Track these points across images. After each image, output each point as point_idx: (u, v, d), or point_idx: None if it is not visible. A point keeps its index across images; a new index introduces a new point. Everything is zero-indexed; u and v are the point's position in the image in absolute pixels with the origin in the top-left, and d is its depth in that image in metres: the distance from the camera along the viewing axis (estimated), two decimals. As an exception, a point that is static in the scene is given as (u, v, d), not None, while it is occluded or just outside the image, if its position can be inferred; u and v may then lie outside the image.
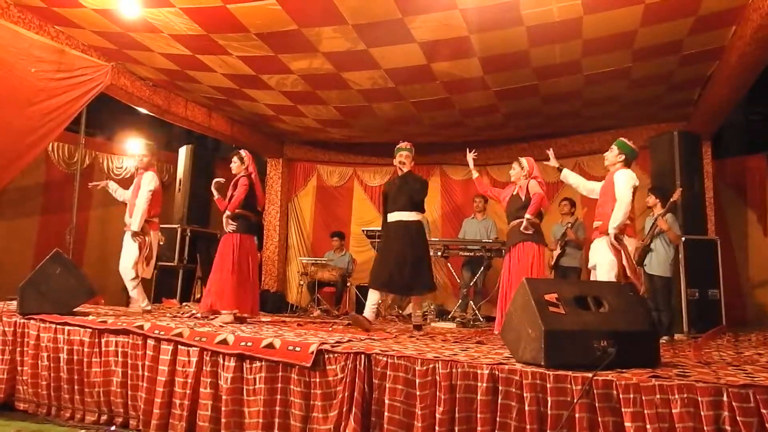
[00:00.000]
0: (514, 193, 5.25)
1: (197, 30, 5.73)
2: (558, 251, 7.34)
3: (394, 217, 5.23)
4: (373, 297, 5.23)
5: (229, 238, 5.38)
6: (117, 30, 5.87)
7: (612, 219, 4.35)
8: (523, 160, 5.26)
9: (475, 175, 5.73)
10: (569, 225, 7.27)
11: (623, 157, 4.61)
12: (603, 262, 4.41)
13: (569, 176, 5.10)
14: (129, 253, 5.60)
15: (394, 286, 5.23)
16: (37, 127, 5.63)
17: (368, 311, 5.19)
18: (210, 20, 5.55)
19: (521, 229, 4.97)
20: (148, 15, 5.49)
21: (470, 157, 5.71)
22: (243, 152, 5.63)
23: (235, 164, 5.54)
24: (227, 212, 5.36)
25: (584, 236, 7.25)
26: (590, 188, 4.96)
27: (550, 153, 5.23)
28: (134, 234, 5.56)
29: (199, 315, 5.42)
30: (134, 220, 5.58)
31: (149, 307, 5.75)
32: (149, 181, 5.69)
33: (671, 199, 5.88)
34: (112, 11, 5.43)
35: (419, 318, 5.44)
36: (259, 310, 7.81)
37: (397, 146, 5.46)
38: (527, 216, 4.92)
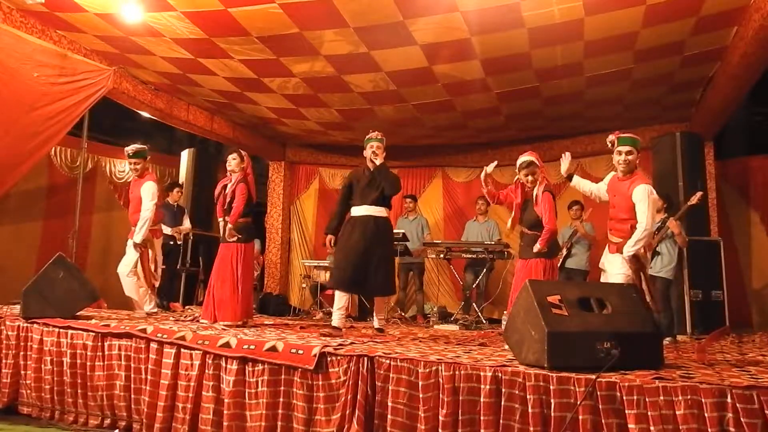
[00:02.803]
0: (530, 200, 4.77)
1: (199, 34, 5.75)
2: (564, 252, 7.34)
3: (361, 211, 4.75)
4: (341, 301, 4.73)
5: (233, 247, 5.28)
6: (119, 34, 5.89)
7: (632, 243, 3.89)
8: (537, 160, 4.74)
9: (485, 189, 5.06)
10: (579, 221, 7.26)
11: (638, 155, 4.08)
12: (618, 276, 4.09)
13: (580, 183, 4.60)
14: (128, 259, 5.60)
15: (361, 287, 4.72)
16: (40, 132, 5.65)
17: (336, 319, 4.70)
18: (211, 24, 5.56)
19: (534, 251, 4.52)
20: (150, 19, 5.51)
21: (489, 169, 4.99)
22: (242, 151, 5.56)
23: (234, 161, 5.33)
24: (229, 225, 5.22)
25: (593, 234, 7.25)
26: (599, 195, 4.48)
27: (565, 158, 4.67)
28: (135, 245, 5.54)
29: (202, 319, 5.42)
30: (137, 233, 5.50)
31: (155, 310, 5.77)
32: (152, 194, 5.54)
33: (690, 202, 5.67)
34: (114, 15, 5.45)
35: (383, 321, 4.97)
36: (261, 313, 7.91)
37: (368, 136, 4.91)
38: (539, 247, 4.48)
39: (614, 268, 4.14)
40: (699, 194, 5.67)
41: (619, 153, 4.01)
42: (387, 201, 4.79)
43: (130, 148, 5.72)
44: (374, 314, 4.95)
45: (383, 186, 4.68)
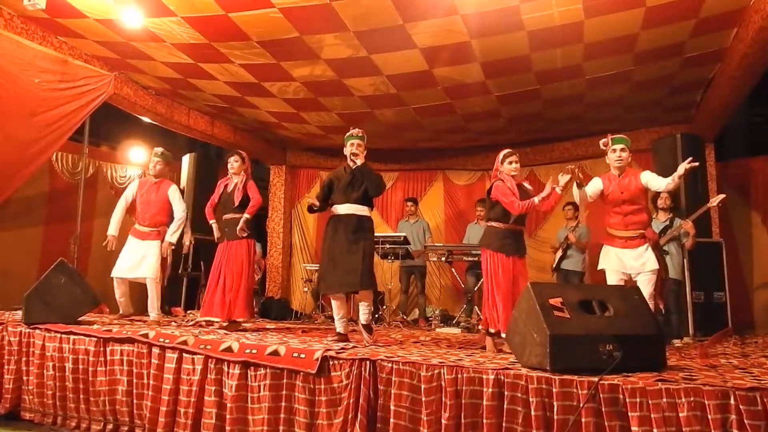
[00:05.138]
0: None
1: (199, 38, 5.76)
2: (560, 254, 7.34)
3: (344, 209, 4.56)
4: (340, 309, 4.61)
5: (244, 244, 5.44)
6: (119, 39, 5.90)
7: (665, 182, 4.17)
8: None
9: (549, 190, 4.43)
10: (572, 229, 7.26)
11: (630, 154, 4.43)
12: (653, 270, 4.26)
13: (582, 193, 4.55)
14: (155, 262, 5.62)
15: (345, 285, 4.49)
16: (41, 137, 5.66)
17: (340, 326, 4.60)
18: (212, 29, 5.58)
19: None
20: (151, 24, 5.52)
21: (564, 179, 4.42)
22: (243, 152, 5.70)
23: (237, 163, 5.53)
24: (246, 215, 5.36)
25: (587, 240, 7.24)
26: (593, 195, 4.54)
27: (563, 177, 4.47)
28: (170, 244, 5.67)
29: (203, 323, 5.42)
30: (174, 233, 5.67)
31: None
32: (180, 197, 5.79)
33: (710, 204, 5.59)
34: (115, 21, 5.47)
35: (369, 317, 4.57)
36: (263, 317, 7.96)
37: (348, 134, 4.78)
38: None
39: (651, 264, 4.27)
40: (722, 196, 5.48)
41: (614, 151, 4.41)
42: (369, 200, 4.66)
43: (160, 149, 5.95)
44: (360, 309, 4.61)
45: (366, 185, 4.56)
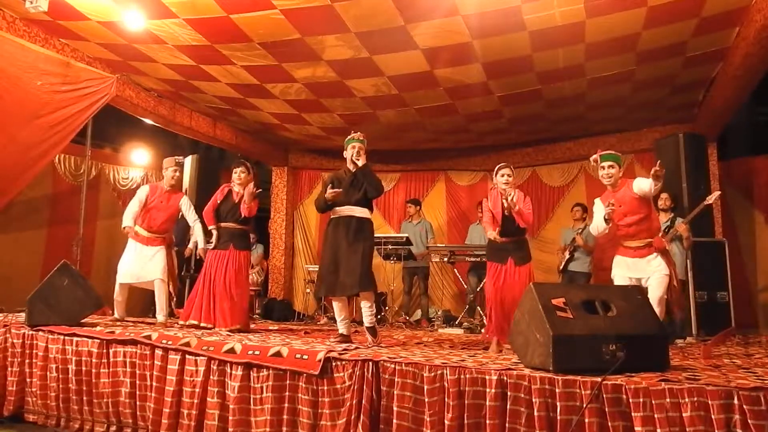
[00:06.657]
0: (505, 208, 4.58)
1: (201, 40, 5.77)
2: (567, 255, 7.33)
3: (344, 211, 4.51)
4: (342, 311, 4.55)
5: (247, 255, 5.57)
6: (122, 42, 5.92)
7: (652, 187, 4.14)
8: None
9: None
10: (579, 231, 7.25)
11: (620, 170, 4.47)
12: (662, 275, 4.32)
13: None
14: (162, 264, 5.66)
15: (344, 288, 4.40)
16: (44, 140, 5.67)
17: (343, 328, 4.54)
18: (214, 31, 5.59)
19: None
20: (153, 27, 5.53)
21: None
22: (248, 163, 5.70)
23: (243, 174, 5.48)
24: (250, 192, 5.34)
25: (594, 243, 7.23)
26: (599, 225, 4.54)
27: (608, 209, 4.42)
28: (202, 250, 5.79)
29: (203, 324, 5.41)
30: (199, 239, 5.85)
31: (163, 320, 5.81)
32: (192, 208, 5.88)
33: (706, 202, 5.45)
34: (117, 23, 5.48)
35: (373, 319, 4.56)
36: (265, 318, 7.98)
37: (349, 137, 4.74)
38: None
39: (659, 269, 4.34)
40: (717, 194, 5.46)
41: (602, 168, 4.45)
42: (369, 202, 4.62)
43: (180, 157, 5.98)
44: (362, 311, 4.59)
45: (366, 187, 4.53)
